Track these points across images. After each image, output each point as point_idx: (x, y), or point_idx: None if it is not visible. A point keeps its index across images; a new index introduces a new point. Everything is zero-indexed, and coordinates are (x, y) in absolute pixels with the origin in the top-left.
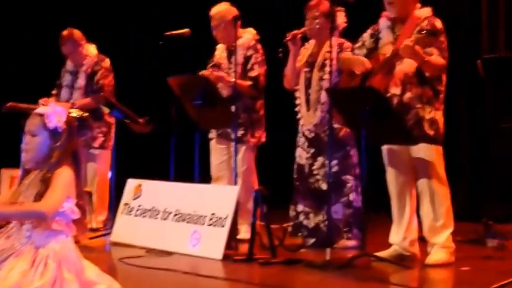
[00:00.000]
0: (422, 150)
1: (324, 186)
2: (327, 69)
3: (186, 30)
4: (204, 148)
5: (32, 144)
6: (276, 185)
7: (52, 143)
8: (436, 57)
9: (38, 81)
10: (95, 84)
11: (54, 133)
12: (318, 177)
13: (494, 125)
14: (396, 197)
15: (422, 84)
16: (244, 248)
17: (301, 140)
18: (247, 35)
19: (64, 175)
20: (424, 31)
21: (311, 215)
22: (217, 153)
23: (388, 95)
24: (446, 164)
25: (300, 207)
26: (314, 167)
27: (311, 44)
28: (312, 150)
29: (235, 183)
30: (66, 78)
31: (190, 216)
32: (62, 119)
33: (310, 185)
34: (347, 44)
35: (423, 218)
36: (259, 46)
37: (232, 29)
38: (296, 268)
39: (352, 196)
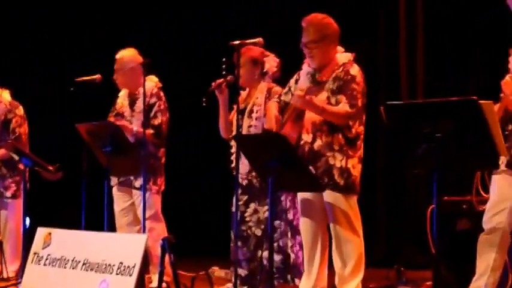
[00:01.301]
0: (332, 199)
1: (258, 232)
2: (254, 115)
3: (97, 76)
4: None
5: None
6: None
7: None
8: (342, 105)
9: None
10: (10, 132)
11: None
12: (251, 224)
13: (407, 171)
14: (308, 245)
15: (332, 132)
16: None
17: (235, 187)
18: (150, 83)
19: None
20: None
21: (244, 263)
22: (119, 200)
23: (301, 142)
24: (362, 209)
25: (235, 255)
26: (246, 214)
27: (245, 92)
28: (245, 197)
29: (144, 231)
30: None
31: (99, 265)
32: None
33: (243, 232)
34: (276, 88)
35: (334, 266)
36: (161, 94)
37: (135, 76)
38: None
39: (281, 242)
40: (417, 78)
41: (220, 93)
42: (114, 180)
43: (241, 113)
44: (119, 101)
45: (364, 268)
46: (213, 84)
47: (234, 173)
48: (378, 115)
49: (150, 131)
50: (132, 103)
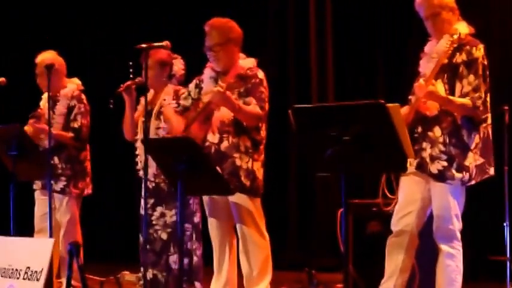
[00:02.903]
0: (238, 200)
1: (164, 236)
2: (162, 117)
3: (1, 79)
4: (22, 200)
5: None
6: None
7: None
8: (254, 106)
9: None
10: None
11: None
12: (157, 227)
13: (316, 174)
14: (217, 246)
15: (239, 134)
16: None
17: (142, 190)
18: (71, 85)
19: None
20: (234, 77)
21: (149, 266)
22: (41, 204)
23: (207, 143)
24: (274, 213)
25: (143, 258)
26: (153, 217)
27: (150, 93)
28: (152, 201)
29: (51, 235)
30: None
31: (5, 270)
32: None
33: (149, 236)
34: (183, 90)
35: (242, 267)
36: (83, 96)
37: (57, 78)
38: None
39: (190, 245)
40: (327, 80)
41: (128, 95)
42: (38, 184)
43: (148, 115)
44: (41, 102)
45: (276, 271)
46: (122, 86)
47: (140, 176)
48: (288, 119)
49: (70, 134)
50: (53, 105)
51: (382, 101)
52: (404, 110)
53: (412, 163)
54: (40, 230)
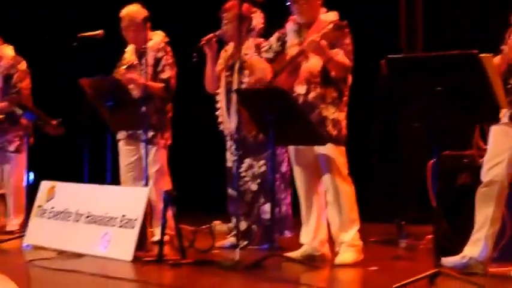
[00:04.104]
0: (325, 150)
1: (253, 187)
2: (247, 72)
3: (99, 31)
4: (116, 150)
5: None
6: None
7: None
8: (342, 57)
9: None
10: (12, 87)
11: None
12: (246, 178)
13: (405, 125)
14: (304, 196)
15: (326, 85)
16: (156, 250)
17: (228, 143)
18: (157, 37)
19: None
20: (331, 25)
21: (242, 218)
22: (126, 154)
23: (294, 94)
24: (359, 165)
25: (231, 210)
26: (241, 169)
27: (230, 47)
28: (239, 153)
29: (146, 184)
30: None
31: (102, 218)
32: None
33: (239, 187)
34: (264, 44)
35: (329, 217)
36: (169, 48)
37: (143, 31)
38: (206, 269)
39: (278, 194)
40: (417, 32)
41: (209, 48)
42: (122, 134)
43: (230, 69)
44: (126, 55)
45: (364, 223)
46: (203, 39)
47: (221, 129)
48: (375, 70)
49: (160, 85)
50: (140, 57)
51: (476, 51)
52: (497, 60)
53: (504, 114)
54: (126, 181)
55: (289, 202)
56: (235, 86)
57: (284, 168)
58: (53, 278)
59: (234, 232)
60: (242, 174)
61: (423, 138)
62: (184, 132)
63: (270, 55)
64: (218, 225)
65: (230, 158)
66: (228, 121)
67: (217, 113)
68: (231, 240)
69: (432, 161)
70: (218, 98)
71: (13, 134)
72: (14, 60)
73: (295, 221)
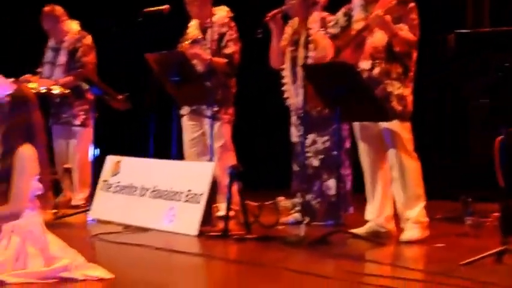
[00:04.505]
0: (390, 125)
1: (316, 163)
2: (312, 46)
3: (165, 6)
4: (181, 125)
5: None
6: (254, 163)
7: None
8: (406, 32)
9: (22, 58)
10: (76, 61)
11: None
12: (309, 154)
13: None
14: (369, 173)
15: (391, 60)
16: (221, 225)
17: (293, 118)
18: (221, 12)
19: (26, 157)
20: (395, 0)
21: (306, 193)
22: (189, 129)
23: (358, 70)
24: (425, 142)
25: (295, 186)
26: (305, 145)
27: (295, 22)
28: (303, 128)
29: (211, 159)
30: (48, 55)
31: (167, 192)
32: (3, 92)
33: (302, 163)
34: (329, 18)
35: (395, 193)
36: (233, 23)
37: (207, 5)
38: (270, 244)
39: (341, 170)
40: (483, 6)
41: (274, 23)
42: (185, 110)
43: (295, 44)
44: (189, 30)
45: (430, 200)
46: (268, 15)
47: (287, 104)
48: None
49: (223, 60)
50: (203, 33)
51: None
52: None
53: None
54: (189, 156)
55: (351, 179)
56: (300, 61)
57: (347, 144)
58: (118, 252)
59: (298, 208)
60: (305, 150)
61: (491, 115)
62: (249, 107)
63: (336, 30)
64: (282, 201)
65: (295, 133)
66: (293, 96)
67: (282, 88)
68: (295, 216)
69: (500, 137)
70: (283, 73)
71: (78, 109)
72: (79, 35)
73: (356, 198)
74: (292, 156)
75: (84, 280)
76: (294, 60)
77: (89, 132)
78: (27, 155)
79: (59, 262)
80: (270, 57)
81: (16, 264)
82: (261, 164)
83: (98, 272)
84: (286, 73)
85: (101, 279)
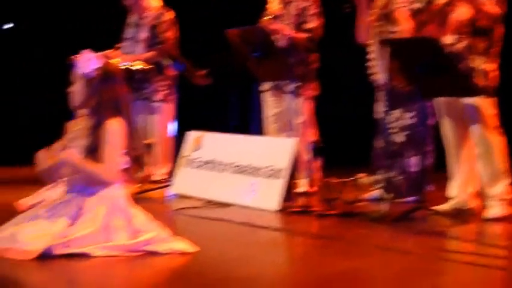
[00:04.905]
0: (473, 101)
1: (400, 139)
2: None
3: None
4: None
5: (72, 91)
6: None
7: (87, 89)
8: (491, 6)
9: (102, 34)
10: (157, 37)
11: (87, 79)
12: (394, 130)
13: None
14: (453, 149)
15: (475, 35)
16: (302, 201)
17: (378, 94)
18: None
19: (115, 131)
20: None
21: (388, 170)
22: (270, 105)
23: (442, 44)
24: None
25: (378, 162)
26: (389, 121)
27: None
28: (387, 103)
29: (292, 135)
30: (130, 31)
31: (248, 168)
32: (93, 66)
33: (387, 139)
34: None
35: (479, 170)
36: None
37: None
38: (352, 221)
39: (426, 148)
40: None
41: None
42: (266, 85)
43: (381, 19)
44: (270, 5)
45: None
46: None
47: (372, 80)
48: None
49: (304, 35)
50: (284, 7)
51: None
52: None
53: None
54: (270, 132)
55: (433, 155)
56: (386, 37)
57: (430, 121)
58: (199, 227)
59: (381, 185)
60: (389, 126)
61: None
62: (333, 83)
63: (421, 5)
64: (363, 178)
65: (379, 109)
66: (378, 72)
67: (368, 63)
68: (377, 192)
69: None
70: (369, 48)
71: (159, 84)
72: (161, 10)
73: (435, 175)
74: (375, 132)
75: (168, 253)
76: (380, 36)
77: (169, 108)
78: (116, 128)
79: (143, 235)
80: (356, 32)
81: (101, 237)
82: (343, 140)
83: (182, 245)
84: (372, 48)
85: (185, 253)
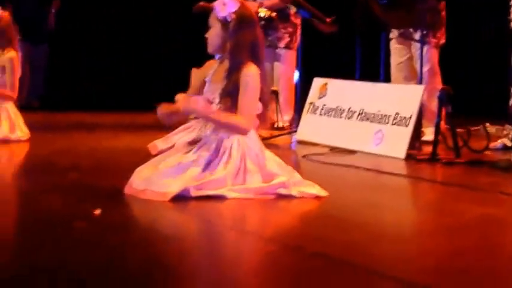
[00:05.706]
0: None
1: None
2: None
3: None
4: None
5: (209, 35)
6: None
7: (223, 33)
8: None
9: None
10: None
11: (224, 23)
12: None
13: None
14: None
15: None
16: (428, 149)
17: None
18: None
19: (251, 76)
20: None
21: None
22: (397, 53)
23: None
24: None
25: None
26: None
27: None
28: None
29: (420, 83)
30: None
31: (374, 115)
32: (230, 10)
33: None
34: None
35: None
36: None
37: None
38: (479, 169)
39: None
40: None
41: None
42: (393, 33)
43: None
44: None
45: None
46: None
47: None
48: None
49: None
50: None
51: None
52: None
53: None
54: (396, 79)
55: None
56: None
57: None
58: (327, 172)
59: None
60: None
61: None
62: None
63: None
64: (490, 127)
65: None
66: None
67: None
68: (504, 141)
69: None
70: None
71: (284, 31)
72: None
73: None
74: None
75: (300, 197)
76: None
77: (293, 55)
78: (252, 73)
79: (276, 179)
80: None
81: (235, 180)
82: (470, 89)
83: (314, 189)
84: None
85: (317, 197)
